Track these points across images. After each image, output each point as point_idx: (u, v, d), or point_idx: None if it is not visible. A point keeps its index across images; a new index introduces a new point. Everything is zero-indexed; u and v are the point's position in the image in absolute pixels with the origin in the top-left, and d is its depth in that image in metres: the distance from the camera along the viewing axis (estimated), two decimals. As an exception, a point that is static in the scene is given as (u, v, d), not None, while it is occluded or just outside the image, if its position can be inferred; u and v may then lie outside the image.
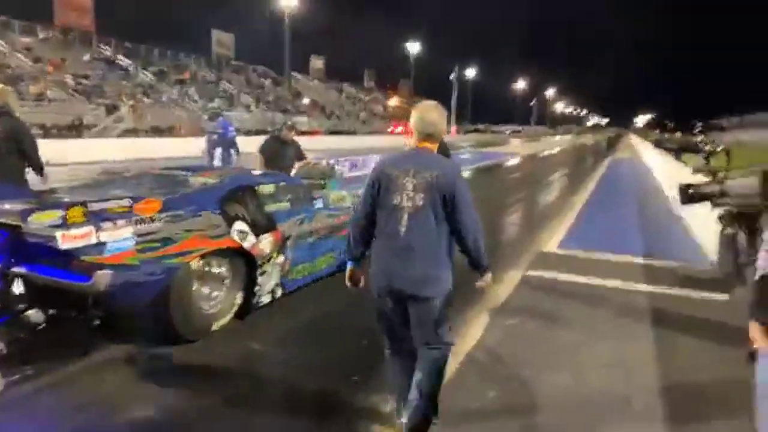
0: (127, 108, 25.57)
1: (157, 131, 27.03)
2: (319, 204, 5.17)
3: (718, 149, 2.03)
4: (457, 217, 2.48)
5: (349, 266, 2.81)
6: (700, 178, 2.03)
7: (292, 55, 47.49)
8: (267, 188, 4.60)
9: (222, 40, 43.77)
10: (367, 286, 2.72)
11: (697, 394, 3.24)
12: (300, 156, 7.04)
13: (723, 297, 5.00)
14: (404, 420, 2.63)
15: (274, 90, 45.33)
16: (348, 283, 2.83)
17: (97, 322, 3.31)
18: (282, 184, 4.90)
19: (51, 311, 3.34)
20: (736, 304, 4.81)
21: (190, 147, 21.10)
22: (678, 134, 23.47)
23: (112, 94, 27.92)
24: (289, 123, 7.35)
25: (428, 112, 2.66)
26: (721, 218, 1.92)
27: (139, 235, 3.26)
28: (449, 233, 2.51)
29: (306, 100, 47.43)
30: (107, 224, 3.12)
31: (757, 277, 1.48)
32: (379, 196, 2.56)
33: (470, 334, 4.00)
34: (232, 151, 9.63)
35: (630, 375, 3.43)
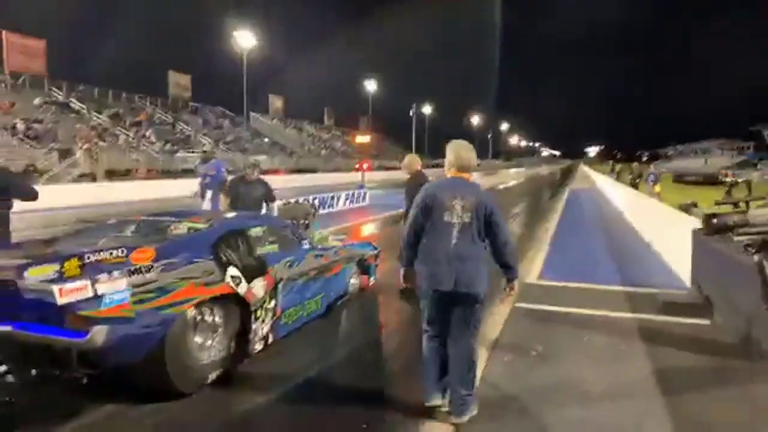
0: (81, 152, 24.85)
1: (113, 175, 26.34)
2: (306, 245, 5.10)
3: (740, 180, 2.11)
4: (495, 231, 3.21)
5: (402, 270, 3.42)
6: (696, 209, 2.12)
7: (251, 94, 47.66)
8: (256, 231, 4.51)
9: (179, 81, 43.47)
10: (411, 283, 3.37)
11: (700, 415, 3.27)
12: (270, 195, 6.79)
13: (705, 322, 5.15)
14: (436, 402, 3.27)
15: (233, 130, 45.09)
16: (403, 283, 3.45)
17: (85, 380, 3.12)
18: (270, 226, 4.81)
19: (33, 371, 3.12)
20: (718, 327, 4.97)
21: (148, 190, 20.68)
22: (635, 164, 24.36)
23: (66, 138, 27.14)
24: (253, 161, 7.12)
25: (464, 150, 3.40)
26: (747, 247, 1.98)
27: (135, 286, 3.12)
28: (485, 246, 3.21)
29: (266, 140, 47.35)
30: (103, 276, 2.97)
31: None
32: (432, 215, 3.19)
33: (472, 372, 3.95)
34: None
35: (635, 403, 3.46)
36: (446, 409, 3.25)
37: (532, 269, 7.67)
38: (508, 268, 3.33)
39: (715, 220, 2.04)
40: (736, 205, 1.94)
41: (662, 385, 3.70)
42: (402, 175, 6.20)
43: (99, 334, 2.88)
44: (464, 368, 3.20)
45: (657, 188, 18.92)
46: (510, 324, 5.12)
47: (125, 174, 26.70)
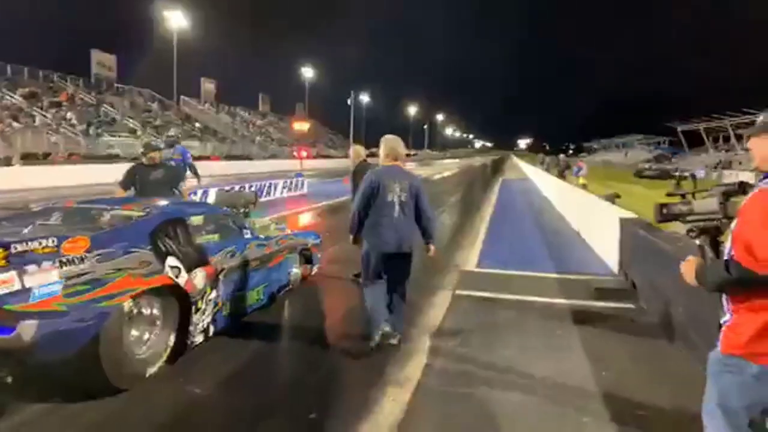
0: (-7, 133, 23.04)
1: (30, 158, 24.60)
2: (247, 234, 4.97)
3: (686, 174, 2.36)
4: (422, 207, 4.28)
5: (352, 236, 4.37)
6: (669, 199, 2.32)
7: (182, 78, 45.76)
8: (196, 219, 4.34)
9: (103, 61, 41.01)
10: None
11: (628, 391, 3.48)
12: (180, 176, 6.19)
13: (630, 305, 5.48)
14: (387, 329, 4.20)
15: (162, 114, 43.17)
16: (354, 243, 4.42)
17: (9, 378, 2.92)
18: (210, 214, 4.65)
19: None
20: (642, 310, 5.31)
21: (71, 176, 19.44)
22: (562, 156, 25.52)
23: (-25, 118, 25.06)
24: (150, 142, 6.56)
25: (396, 143, 4.45)
26: (689, 232, 2.16)
27: (67, 278, 2.93)
28: (415, 217, 4.25)
29: (197, 125, 45.67)
30: (32, 267, 2.77)
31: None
32: (377, 195, 4.12)
33: (417, 359, 4.01)
34: (194, 177, 10.15)
35: (573, 384, 3.62)
36: (386, 338, 4.20)
37: (470, 257, 7.86)
38: (429, 235, 4.40)
39: (665, 210, 2.20)
40: (683, 196, 2.14)
41: (595, 365, 3.92)
42: (340, 163, 6.20)
43: (27, 329, 2.69)
44: (401, 303, 4.32)
45: (581, 180, 19.85)
46: (451, 311, 5.24)
47: (44, 158, 25.00)
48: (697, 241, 2.14)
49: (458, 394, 3.46)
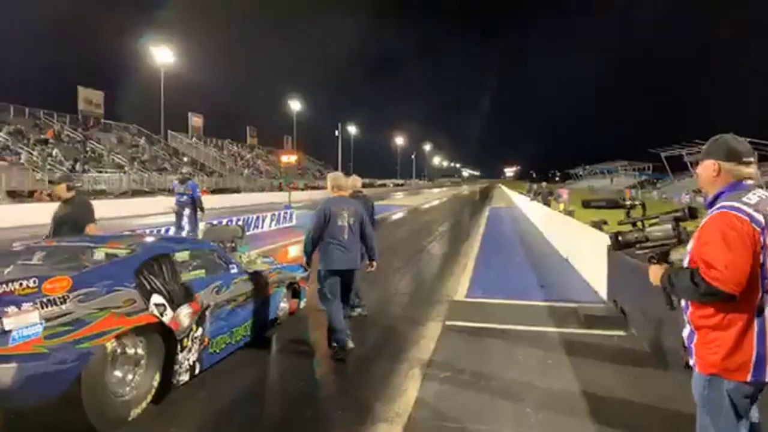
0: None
1: (14, 196, 24.37)
2: (234, 269, 4.92)
3: (637, 203, 2.44)
4: (365, 229, 5.03)
5: (306, 258, 5.00)
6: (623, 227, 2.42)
7: (169, 113, 45.98)
8: (181, 255, 4.30)
9: (89, 98, 41.13)
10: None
11: (623, 420, 3.43)
12: (88, 215, 5.44)
13: (621, 333, 5.46)
14: (335, 344, 4.77)
15: (150, 149, 43.17)
16: (306, 265, 5.10)
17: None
18: (196, 249, 4.61)
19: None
20: (633, 337, 5.29)
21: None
22: (544, 183, 25.80)
23: (-41, 156, 24.87)
24: (62, 175, 5.95)
25: (341, 179, 5.24)
26: (650, 259, 2.25)
27: (48, 319, 2.86)
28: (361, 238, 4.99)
29: (185, 158, 45.68)
30: (11, 309, 2.71)
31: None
32: (329, 221, 4.82)
33: (407, 393, 3.95)
34: (199, 211, 11.32)
35: (566, 414, 3.58)
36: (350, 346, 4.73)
37: (459, 287, 7.82)
38: (372, 252, 5.12)
39: (620, 238, 2.29)
40: (634, 224, 2.22)
41: (588, 394, 3.88)
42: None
43: (6, 373, 2.62)
44: (348, 312, 5.12)
45: (561, 206, 20.04)
46: (442, 342, 5.18)
47: (29, 195, 24.75)
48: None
49: (450, 429, 3.39)
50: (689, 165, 68.42)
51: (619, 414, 3.59)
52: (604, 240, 7.45)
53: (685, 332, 2.12)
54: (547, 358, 4.71)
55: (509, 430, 3.38)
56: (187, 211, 11.23)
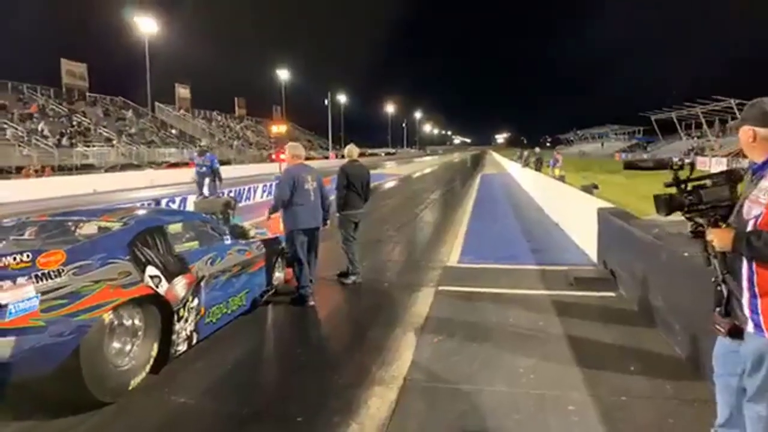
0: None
1: (2, 173, 24.10)
2: (228, 240, 4.94)
3: (687, 162, 2.31)
4: (323, 192, 5.71)
5: (270, 214, 5.78)
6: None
7: (155, 84, 45.17)
8: (175, 227, 4.30)
9: (73, 70, 40.30)
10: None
11: (613, 378, 3.53)
12: None
13: (611, 294, 5.57)
14: (312, 300, 5.46)
15: (137, 122, 42.59)
16: (267, 219, 5.94)
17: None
18: (189, 221, 4.61)
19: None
20: (622, 298, 5.40)
21: (44, 188, 19.05)
22: (537, 149, 25.75)
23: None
24: None
25: (299, 149, 5.86)
26: (715, 222, 2.15)
27: (44, 293, 2.88)
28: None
29: (173, 131, 45.16)
30: (6, 283, 2.72)
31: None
32: (297, 186, 5.41)
33: (403, 357, 4.03)
34: (217, 180, 12.66)
35: (557, 374, 3.67)
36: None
37: (451, 253, 7.91)
38: (326, 214, 5.74)
39: (673, 202, 2.18)
40: (679, 186, 2.16)
41: (578, 354, 3.98)
42: (320, 164, 6.34)
43: (5, 347, 2.64)
44: (315, 261, 5.77)
45: (557, 171, 20.06)
46: (435, 306, 5.27)
47: (17, 171, 24.48)
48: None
49: (444, 390, 3.49)
50: (678, 126, 68.54)
51: (608, 372, 3.69)
52: (594, 204, 7.52)
53: (744, 299, 2.06)
54: (538, 320, 4.80)
55: (502, 388, 3.47)
56: (206, 181, 12.47)
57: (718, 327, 2.17)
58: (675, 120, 68.48)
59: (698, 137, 63.51)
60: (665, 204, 2.22)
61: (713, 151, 47.87)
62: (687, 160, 2.31)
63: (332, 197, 6.15)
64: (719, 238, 2.08)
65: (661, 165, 2.26)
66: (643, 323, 4.63)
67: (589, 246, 7.24)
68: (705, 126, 61.74)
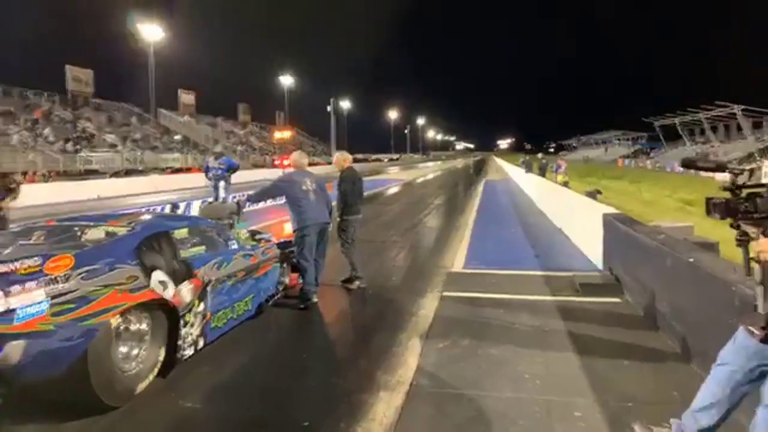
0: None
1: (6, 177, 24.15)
2: (233, 245, 4.96)
3: (747, 168, 2.24)
4: (328, 198, 5.89)
5: (247, 199, 6.08)
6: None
7: (159, 90, 45.41)
8: (181, 232, 4.33)
9: (79, 77, 40.54)
10: None
11: (619, 384, 3.52)
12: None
13: (616, 300, 5.56)
14: (315, 297, 5.62)
15: (141, 128, 42.78)
16: (243, 204, 6.13)
17: (0, 400, 2.87)
18: (195, 226, 4.64)
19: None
20: (627, 304, 5.39)
21: (51, 194, 19.10)
22: (540, 155, 25.84)
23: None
24: None
25: (301, 157, 6.09)
26: (742, 235, 2.12)
27: (53, 297, 2.90)
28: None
29: (177, 137, 45.33)
30: (15, 288, 2.74)
31: None
32: (294, 188, 5.68)
33: (408, 362, 4.04)
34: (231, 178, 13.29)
35: (563, 380, 3.67)
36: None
37: (456, 259, 7.91)
38: (330, 213, 5.98)
39: (730, 204, 2.14)
40: (735, 192, 2.10)
41: (584, 360, 3.97)
42: (324, 170, 6.52)
43: (14, 350, 2.66)
44: (323, 263, 5.91)
45: (561, 177, 20.10)
46: (440, 312, 5.26)
47: (22, 176, 24.54)
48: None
49: (450, 395, 3.49)
50: (681, 132, 68.41)
51: (614, 377, 3.68)
52: (599, 209, 7.52)
53: None
54: (543, 326, 4.80)
55: (508, 394, 3.47)
56: (222, 183, 13.05)
57: (752, 330, 2.19)
58: (678, 126, 68.41)
59: (702, 143, 63.44)
60: (723, 208, 2.18)
61: (717, 158, 47.66)
62: (748, 166, 2.28)
63: (333, 203, 6.26)
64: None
65: (721, 167, 2.25)
66: (649, 328, 4.62)
67: (594, 252, 7.23)
68: (708, 132, 61.65)
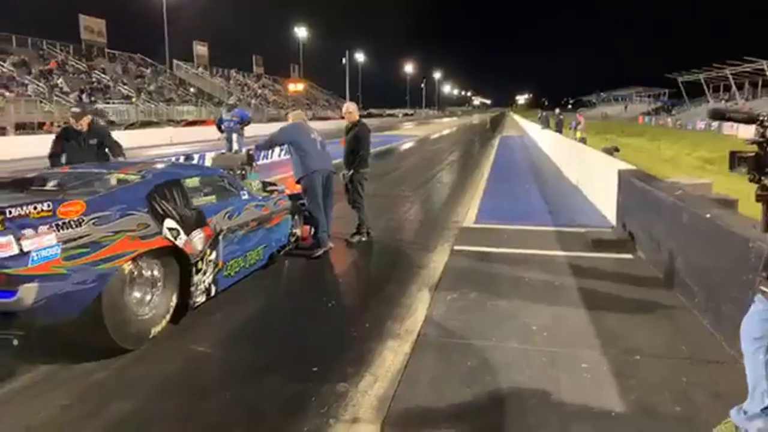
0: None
1: (22, 128, 24.37)
2: (245, 195, 4.96)
3: None
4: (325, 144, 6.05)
5: (255, 149, 6.27)
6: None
7: (173, 42, 44.86)
8: (192, 181, 4.33)
9: (92, 27, 40.07)
10: None
11: (626, 339, 3.53)
12: (113, 148, 6.03)
13: (628, 256, 5.51)
14: (330, 243, 5.82)
15: (155, 79, 42.50)
16: (252, 152, 6.41)
17: (16, 342, 2.95)
18: (206, 176, 4.64)
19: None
20: (640, 260, 5.35)
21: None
22: (558, 110, 25.26)
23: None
24: (76, 110, 6.07)
25: (299, 115, 6.34)
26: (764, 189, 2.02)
27: (65, 242, 2.93)
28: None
29: (191, 89, 45.05)
30: (28, 231, 2.77)
31: None
32: (299, 135, 5.79)
33: (416, 313, 4.07)
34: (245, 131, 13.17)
35: (571, 333, 3.68)
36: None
37: (468, 214, 7.87)
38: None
39: (762, 159, 2.03)
40: (762, 144, 2.02)
41: (593, 314, 3.97)
42: (338, 124, 6.42)
43: (28, 292, 2.72)
44: (331, 213, 6.03)
45: (579, 134, 19.69)
46: (450, 265, 5.27)
47: (39, 127, 24.73)
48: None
49: (457, 345, 3.52)
50: (706, 88, 66.26)
51: (622, 331, 3.68)
52: (615, 165, 7.38)
53: None
54: (553, 280, 4.79)
55: (515, 345, 3.50)
56: (234, 136, 12.96)
57: (765, 290, 2.11)
58: (703, 82, 66.23)
59: (726, 100, 61.53)
60: (753, 162, 2.07)
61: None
62: None
63: (338, 160, 6.20)
64: None
65: (752, 119, 2.12)
66: (661, 285, 4.59)
67: (609, 208, 7.15)
68: (734, 88, 59.68)
